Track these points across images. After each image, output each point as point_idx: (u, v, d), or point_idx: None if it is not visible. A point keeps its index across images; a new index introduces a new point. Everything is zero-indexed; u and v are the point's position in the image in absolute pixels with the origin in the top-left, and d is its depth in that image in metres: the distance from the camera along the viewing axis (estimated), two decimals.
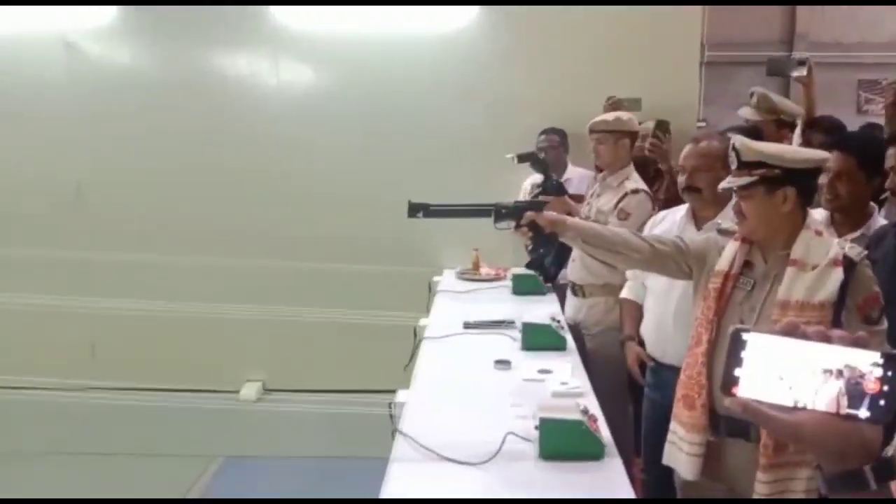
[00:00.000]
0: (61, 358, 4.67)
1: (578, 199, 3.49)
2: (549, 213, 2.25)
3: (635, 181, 3.34)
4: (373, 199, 4.18)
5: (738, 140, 2.00)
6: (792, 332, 0.78)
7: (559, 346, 2.87)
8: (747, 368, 0.79)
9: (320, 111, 4.59)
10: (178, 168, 4.59)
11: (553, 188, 3.34)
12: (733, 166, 2.00)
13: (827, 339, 0.77)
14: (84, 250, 4.64)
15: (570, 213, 3.25)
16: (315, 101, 4.60)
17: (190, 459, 3.91)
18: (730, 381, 0.80)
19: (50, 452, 3.96)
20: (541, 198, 3.20)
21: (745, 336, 0.79)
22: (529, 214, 2.21)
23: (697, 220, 2.68)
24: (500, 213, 2.30)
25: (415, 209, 2.31)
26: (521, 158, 3.31)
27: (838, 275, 1.90)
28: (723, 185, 2.06)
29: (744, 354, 0.79)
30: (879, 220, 2.54)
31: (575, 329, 3.25)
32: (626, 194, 3.28)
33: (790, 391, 0.78)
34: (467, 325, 3.15)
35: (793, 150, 2.03)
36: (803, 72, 3.34)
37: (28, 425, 4.24)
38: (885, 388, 0.76)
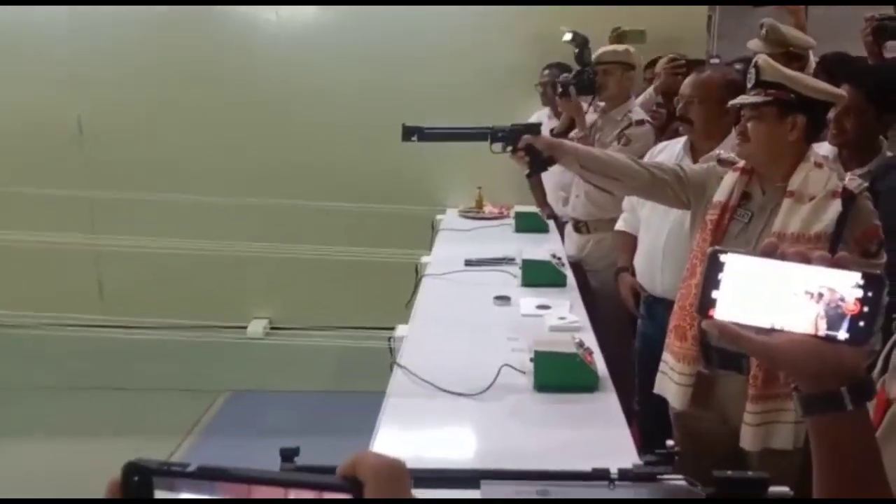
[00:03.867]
0: (70, 295, 4.72)
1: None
2: (546, 137, 2.22)
3: (639, 114, 3.30)
4: (377, 137, 4.13)
5: (761, 58, 1.97)
6: (771, 253, 0.77)
7: (559, 282, 2.88)
8: (725, 290, 0.78)
9: (321, 46, 4.52)
10: (180, 105, 4.56)
11: (587, 82, 3.27)
12: (750, 84, 1.97)
13: (807, 260, 0.76)
14: (88, 188, 4.65)
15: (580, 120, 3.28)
16: (315, 36, 4.53)
17: (198, 394, 3.99)
18: (706, 304, 0.79)
19: (60, 387, 4.03)
20: (572, 91, 3.21)
21: (722, 258, 0.78)
22: (526, 137, 2.16)
23: (695, 152, 2.64)
24: (496, 135, 2.27)
25: (409, 133, 2.29)
26: (575, 38, 3.33)
27: (836, 207, 1.87)
28: (734, 101, 2.03)
29: (721, 276, 0.78)
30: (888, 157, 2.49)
31: (577, 267, 3.25)
32: (630, 124, 3.27)
33: (768, 313, 0.77)
34: (468, 263, 3.16)
35: (813, 80, 1.99)
36: None
37: (39, 361, 4.31)
38: (865, 308, 0.75)
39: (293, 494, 0.41)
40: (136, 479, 0.42)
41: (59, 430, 3.58)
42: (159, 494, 0.42)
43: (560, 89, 3.31)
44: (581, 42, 3.36)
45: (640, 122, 3.27)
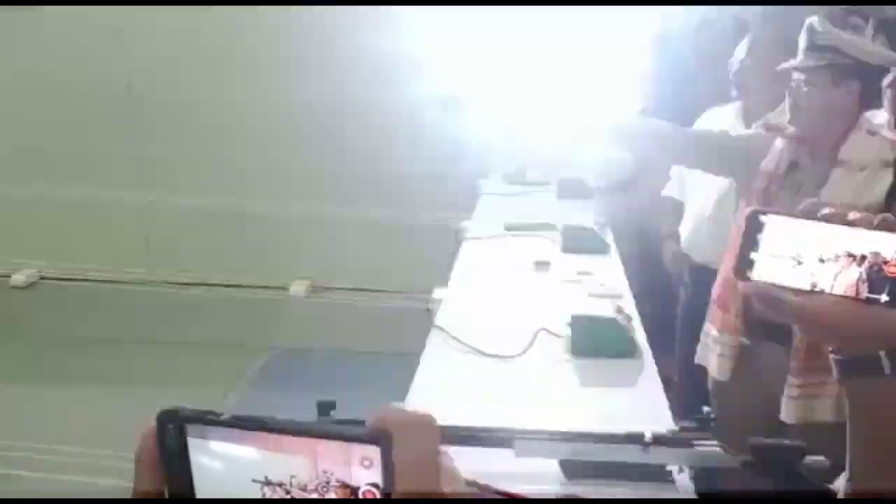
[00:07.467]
0: (117, 250, 4.84)
1: None
2: None
3: None
4: (423, 102, 4.14)
5: (816, 19, 1.90)
6: (812, 214, 0.75)
7: (600, 249, 2.86)
8: (763, 251, 0.77)
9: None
10: (231, 63, 4.59)
11: None
12: (803, 46, 1.90)
13: (849, 222, 0.74)
14: (137, 145, 4.73)
15: None
16: None
17: (240, 350, 4.06)
18: (744, 265, 0.77)
19: (105, 340, 4.14)
20: None
21: (762, 218, 0.76)
22: None
23: (747, 118, 2.58)
24: None
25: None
26: None
27: (888, 178, 1.82)
28: (785, 65, 1.96)
29: (760, 237, 0.77)
30: None
31: (642, 237, 3.25)
32: None
33: (808, 275, 0.75)
34: (509, 227, 3.15)
35: (870, 44, 1.92)
36: None
37: (85, 314, 4.43)
38: None
39: (322, 446, 0.42)
40: (170, 426, 0.43)
41: (104, 382, 3.68)
42: (192, 442, 0.43)
43: None
44: None
45: None
